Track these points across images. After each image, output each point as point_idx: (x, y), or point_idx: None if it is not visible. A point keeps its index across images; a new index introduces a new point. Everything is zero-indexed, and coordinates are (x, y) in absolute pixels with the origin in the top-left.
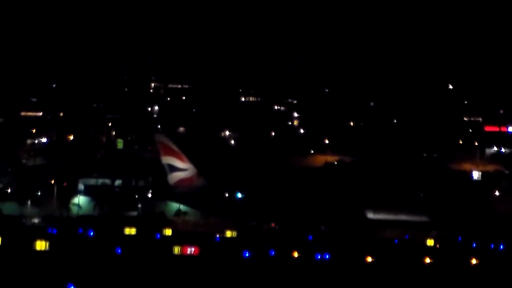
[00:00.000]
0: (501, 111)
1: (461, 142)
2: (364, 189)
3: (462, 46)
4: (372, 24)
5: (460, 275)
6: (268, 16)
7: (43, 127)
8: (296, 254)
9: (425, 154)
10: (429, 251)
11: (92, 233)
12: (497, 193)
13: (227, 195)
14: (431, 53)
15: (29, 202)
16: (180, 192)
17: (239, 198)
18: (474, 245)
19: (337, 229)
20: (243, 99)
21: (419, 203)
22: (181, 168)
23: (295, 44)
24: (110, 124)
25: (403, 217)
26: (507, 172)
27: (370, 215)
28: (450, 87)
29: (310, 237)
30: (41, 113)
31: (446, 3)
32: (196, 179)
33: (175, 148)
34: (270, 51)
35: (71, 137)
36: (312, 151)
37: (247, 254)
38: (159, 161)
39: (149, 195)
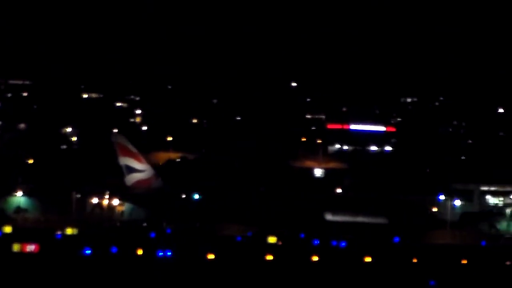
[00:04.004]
0: (344, 109)
1: (303, 139)
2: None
3: (305, 43)
4: (214, 20)
5: (300, 272)
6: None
7: None
8: (139, 252)
9: (268, 151)
10: (271, 248)
11: None
12: (339, 190)
13: (184, 196)
14: (274, 50)
15: None
16: (137, 193)
17: (196, 199)
18: (316, 242)
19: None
20: (85, 95)
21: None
22: (139, 169)
23: (137, 40)
24: None
25: (361, 219)
26: (349, 169)
27: (329, 217)
28: (293, 84)
29: (153, 235)
30: None
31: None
32: (153, 180)
33: (132, 149)
34: (113, 47)
35: None
36: (154, 149)
37: (88, 252)
38: (117, 161)
39: None
